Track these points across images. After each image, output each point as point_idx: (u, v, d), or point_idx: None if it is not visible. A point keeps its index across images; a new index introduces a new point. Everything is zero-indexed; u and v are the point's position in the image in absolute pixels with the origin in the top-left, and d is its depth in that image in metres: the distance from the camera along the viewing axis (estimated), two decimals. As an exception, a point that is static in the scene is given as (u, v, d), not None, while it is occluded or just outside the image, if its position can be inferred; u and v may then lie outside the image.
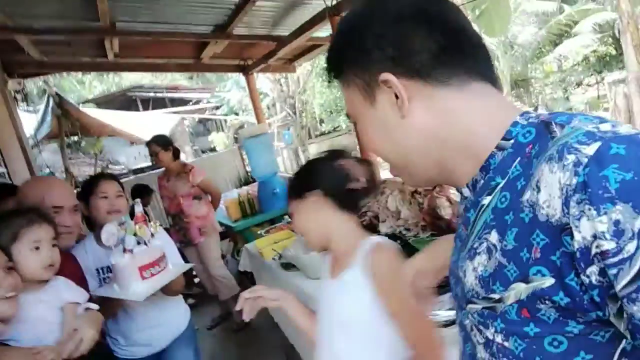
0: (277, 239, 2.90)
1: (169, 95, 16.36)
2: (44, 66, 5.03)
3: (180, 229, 3.98)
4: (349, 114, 0.76)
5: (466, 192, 0.67)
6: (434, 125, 0.63)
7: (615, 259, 0.43)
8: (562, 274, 0.47)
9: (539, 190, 0.50)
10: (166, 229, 4.09)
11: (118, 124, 9.01)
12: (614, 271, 0.43)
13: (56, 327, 1.36)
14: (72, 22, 3.84)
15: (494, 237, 0.57)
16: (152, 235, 1.79)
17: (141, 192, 5.07)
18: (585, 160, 0.45)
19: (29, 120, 8.03)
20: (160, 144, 3.81)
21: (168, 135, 10.26)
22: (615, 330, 0.48)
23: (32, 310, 1.33)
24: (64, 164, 8.01)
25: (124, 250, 1.69)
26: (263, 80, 13.83)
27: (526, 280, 0.51)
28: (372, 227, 2.04)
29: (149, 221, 1.84)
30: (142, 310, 1.97)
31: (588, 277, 0.45)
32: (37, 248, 1.37)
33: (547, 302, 0.50)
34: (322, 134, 15.94)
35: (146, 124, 9.75)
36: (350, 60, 0.68)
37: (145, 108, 15.48)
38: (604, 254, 0.43)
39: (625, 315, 0.45)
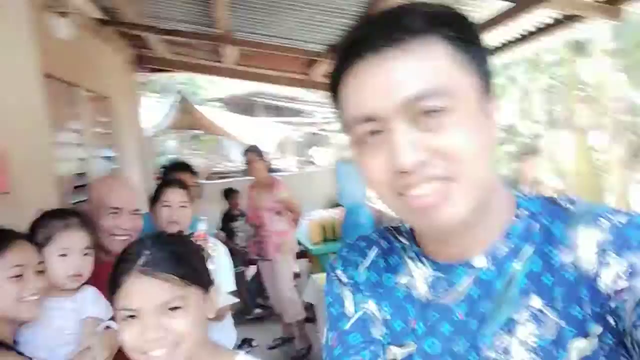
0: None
1: (286, 104, 16.98)
2: (167, 63, 5.44)
3: (257, 242, 3.99)
4: (440, 93, 0.52)
5: (480, 261, 0.60)
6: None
7: (626, 296, 0.49)
8: (604, 317, 0.51)
9: (577, 251, 0.54)
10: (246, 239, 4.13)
11: (232, 126, 9.53)
12: (624, 305, 0.49)
13: (71, 339, 1.29)
14: (193, 27, 4.07)
15: (536, 302, 0.55)
16: (208, 256, 1.70)
17: (229, 193, 5.22)
18: (619, 224, 0.53)
19: (157, 110, 8.95)
20: (257, 153, 3.86)
21: (277, 145, 10.61)
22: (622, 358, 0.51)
23: (51, 317, 1.28)
24: (180, 155, 8.71)
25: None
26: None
27: (586, 336, 0.52)
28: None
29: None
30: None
31: (613, 313, 0.50)
32: (65, 255, 1.32)
33: (602, 348, 0.51)
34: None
35: (257, 130, 10.20)
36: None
37: (265, 113, 16.21)
38: (618, 292, 0.50)
39: None
